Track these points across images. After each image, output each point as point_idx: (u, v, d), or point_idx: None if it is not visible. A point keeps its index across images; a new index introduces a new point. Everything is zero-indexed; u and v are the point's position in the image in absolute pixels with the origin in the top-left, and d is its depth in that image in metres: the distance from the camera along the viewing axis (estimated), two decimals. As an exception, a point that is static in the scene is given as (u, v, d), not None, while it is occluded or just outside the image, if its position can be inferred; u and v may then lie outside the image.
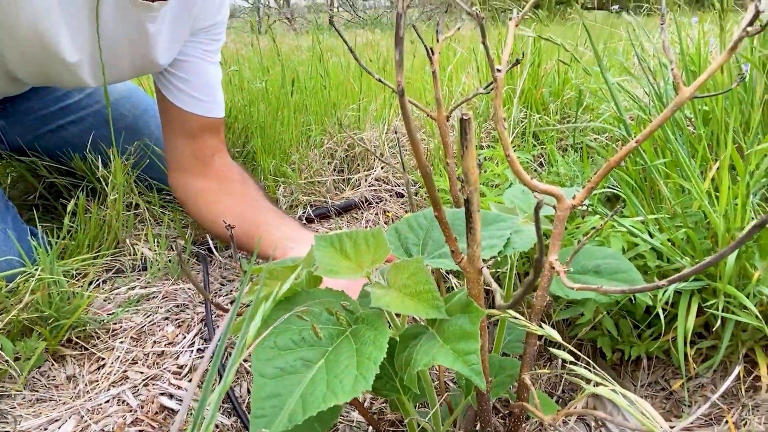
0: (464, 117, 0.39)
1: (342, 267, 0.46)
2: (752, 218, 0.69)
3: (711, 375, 0.73)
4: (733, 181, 0.71)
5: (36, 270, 0.77)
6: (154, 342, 0.82)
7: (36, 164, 1.12)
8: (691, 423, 0.69)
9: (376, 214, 1.20)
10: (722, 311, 0.65)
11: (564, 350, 0.48)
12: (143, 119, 1.15)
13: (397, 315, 0.49)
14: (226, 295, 0.96)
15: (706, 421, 0.69)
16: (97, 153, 1.06)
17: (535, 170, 1.15)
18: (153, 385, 0.75)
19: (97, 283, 0.95)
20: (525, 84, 1.34)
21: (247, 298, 0.46)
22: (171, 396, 0.73)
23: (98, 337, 0.82)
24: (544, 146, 1.21)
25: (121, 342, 0.82)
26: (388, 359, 0.44)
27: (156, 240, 1.02)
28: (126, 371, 0.77)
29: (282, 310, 0.42)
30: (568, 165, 1.00)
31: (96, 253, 0.98)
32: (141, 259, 1.00)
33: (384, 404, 0.74)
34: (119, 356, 0.79)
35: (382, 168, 1.30)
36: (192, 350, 0.81)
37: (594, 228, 0.76)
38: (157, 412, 0.71)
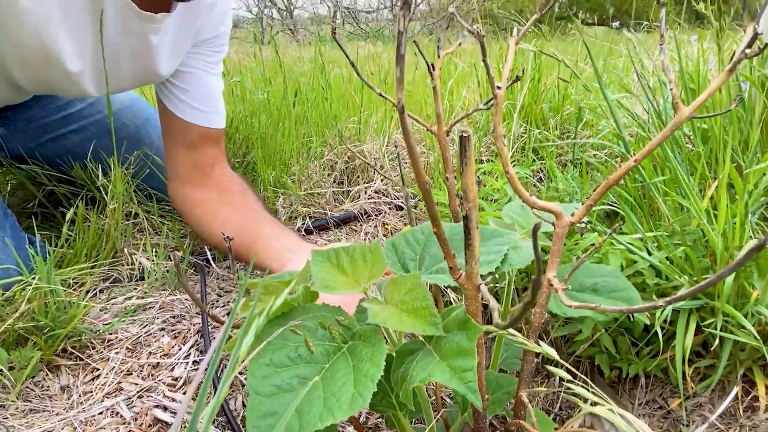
0: (464, 135, 0.39)
1: (339, 282, 0.46)
2: (750, 237, 0.69)
3: (709, 394, 0.72)
4: (732, 200, 0.71)
5: (33, 279, 0.77)
6: (150, 353, 0.82)
7: (36, 172, 1.12)
8: (690, 443, 0.68)
9: (375, 226, 1.20)
10: (720, 330, 0.65)
11: (561, 368, 0.47)
12: (145, 129, 1.16)
13: (394, 331, 0.49)
14: (223, 306, 0.95)
15: (704, 441, 0.68)
16: (98, 162, 1.07)
17: (535, 185, 1.15)
18: (147, 397, 0.74)
19: (94, 292, 0.94)
20: (525, 99, 1.34)
21: (242, 314, 0.45)
22: (165, 408, 0.72)
23: (93, 348, 0.82)
24: (544, 161, 1.21)
25: (117, 352, 0.81)
26: (385, 375, 0.44)
27: (154, 250, 1.02)
28: (120, 382, 0.76)
29: (277, 325, 0.42)
30: (567, 181, 1.00)
31: (94, 262, 0.98)
32: (138, 269, 1.00)
33: (380, 419, 0.74)
34: (114, 367, 0.78)
35: (381, 180, 1.31)
36: (187, 362, 0.81)
37: (593, 245, 0.76)
38: (150, 425, 0.70)
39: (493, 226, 0.63)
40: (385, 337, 0.46)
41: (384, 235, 1.18)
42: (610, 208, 0.90)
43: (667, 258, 0.72)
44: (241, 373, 0.78)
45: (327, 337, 0.42)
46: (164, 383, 0.77)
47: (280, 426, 0.34)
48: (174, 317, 0.90)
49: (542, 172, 1.24)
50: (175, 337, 0.86)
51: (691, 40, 1.63)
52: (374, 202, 1.26)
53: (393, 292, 0.46)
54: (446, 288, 0.91)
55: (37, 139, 1.10)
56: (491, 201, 1.03)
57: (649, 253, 0.72)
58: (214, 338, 0.83)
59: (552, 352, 0.45)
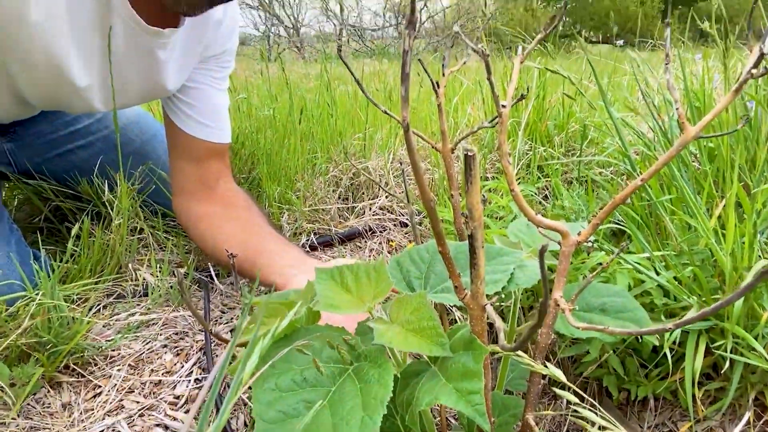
0: (468, 153, 0.39)
1: (343, 301, 0.45)
2: (759, 257, 0.68)
3: (720, 418, 0.71)
4: (740, 219, 0.71)
5: (37, 294, 0.77)
6: (152, 370, 0.81)
7: (43, 187, 1.13)
8: (700, 468, 0.66)
9: (380, 243, 1.20)
10: (731, 352, 0.64)
11: (569, 390, 0.46)
12: (151, 145, 1.16)
13: (399, 351, 0.48)
14: (227, 323, 0.95)
15: (715, 466, 0.66)
16: (104, 177, 1.07)
17: (540, 203, 1.15)
18: (149, 415, 0.73)
19: (98, 308, 0.94)
20: (530, 116, 1.35)
21: (244, 337, 0.45)
22: (166, 427, 0.72)
23: (96, 364, 0.81)
24: (549, 179, 1.21)
25: (119, 369, 0.80)
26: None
27: (158, 265, 1.02)
28: (122, 400, 0.75)
29: (281, 347, 0.42)
30: (573, 198, 0.99)
31: (98, 277, 0.97)
32: (142, 285, 0.99)
33: (383, 440, 0.72)
34: (116, 384, 0.78)
35: (386, 197, 1.31)
36: (190, 380, 0.80)
37: (600, 264, 0.75)
38: (151, 444, 0.69)
39: (499, 244, 0.62)
40: (389, 357, 0.46)
41: (388, 252, 1.17)
42: (616, 227, 0.89)
43: (675, 278, 0.71)
44: (244, 392, 0.78)
45: (332, 358, 0.42)
46: (166, 401, 0.76)
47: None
48: (177, 334, 0.90)
49: (547, 189, 1.24)
50: (178, 354, 0.85)
51: (695, 58, 1.63)
52: (379, 219, 1.26)
53: (398, 311, 0.46)
54: (451, 306, 0.90)
55: (44, 154, 1.11)
56: (496, 218, 1.03)
57: (657, 273, 0.71)
58: (216, 356, 0.83)
59: (559, 374, 0.44)
